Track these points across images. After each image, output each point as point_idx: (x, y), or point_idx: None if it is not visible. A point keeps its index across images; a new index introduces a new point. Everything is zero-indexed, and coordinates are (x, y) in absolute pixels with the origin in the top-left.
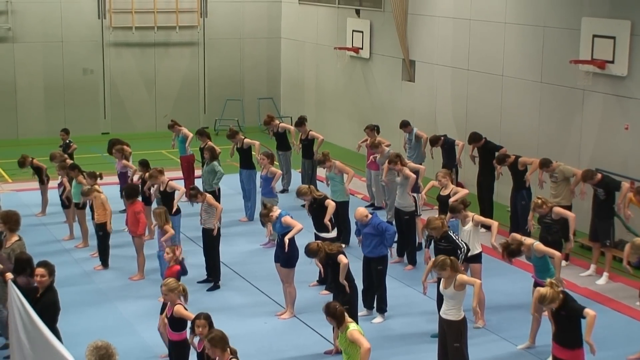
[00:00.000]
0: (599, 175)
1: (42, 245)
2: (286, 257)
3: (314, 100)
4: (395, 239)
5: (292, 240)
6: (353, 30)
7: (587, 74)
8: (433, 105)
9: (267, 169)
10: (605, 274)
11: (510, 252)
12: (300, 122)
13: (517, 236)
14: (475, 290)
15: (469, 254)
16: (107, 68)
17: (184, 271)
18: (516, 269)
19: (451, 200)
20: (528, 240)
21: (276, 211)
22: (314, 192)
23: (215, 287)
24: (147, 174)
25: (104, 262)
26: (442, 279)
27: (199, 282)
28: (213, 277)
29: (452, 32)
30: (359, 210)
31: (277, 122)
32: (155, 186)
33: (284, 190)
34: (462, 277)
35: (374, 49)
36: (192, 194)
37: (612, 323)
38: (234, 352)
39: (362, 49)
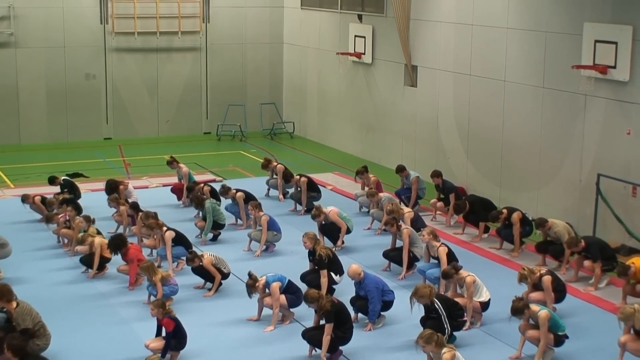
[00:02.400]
0: (583, 243)
1: (44, 250)
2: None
3: (316, 105)
4: (379, 308)
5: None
6: (355, 36)
7: (589, 79)
8: (435, 111)
9: (255, 213)
10: (605, 278)
11: (515, 310)
12: (287, 179)
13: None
14: None
15: (481, 301)
16: (110, 73)
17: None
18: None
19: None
20: (534, 307)
21: (262, 279)
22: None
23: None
24: (147, 224)
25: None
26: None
27: (195, 288)
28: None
29: (454, 38)
30: (352, 268)
31: (274, 163)
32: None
33: (285, 193)
34: (446, 358)
35: (376, 54)
36: (189, 258)
37: (613, 328)
38: None
39: (364, 54)
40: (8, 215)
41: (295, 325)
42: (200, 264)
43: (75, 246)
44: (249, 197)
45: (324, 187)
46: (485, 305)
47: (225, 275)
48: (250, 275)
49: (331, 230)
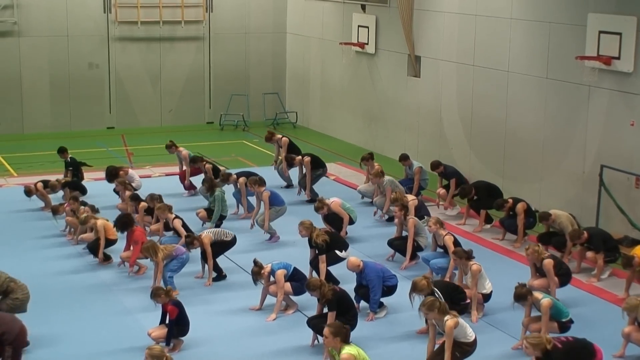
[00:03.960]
0: (585, 234)
1: (48, 238)
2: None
3: (319, 95)
4: (379, 297)
5: (298, 276)
6: (359, 26)
7: (592, 70)
8: (438, 101)
9: (255, 189)
10: (608, 269)
11: (518, 296)
12: (290, 163)
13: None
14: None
15: (483, 293)
16: (113, 62)
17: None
18: (520, 265)
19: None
20: (537, 294)
21: (268, 267)
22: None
23: (221, 278)
24: (156, 207)
25: (106, 258)
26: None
27: (196, 278)
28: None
29: (458, 28)
30: (350, 261)
31: (278, 136)
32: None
33: (289, 186)
34: (449, 324)
35: (380, 45)
36: (188, 242)
37: (616, 319)
38: None
39: (367, 44)
40: (12, 204)
41: (298, 315)
42: (200, 246)
43: (80, 232)
44: (249, 176)
45: (327, 177)
46: (487, 297)
47: (231, 243)
48: (255, 262)
49: (334, 220)
